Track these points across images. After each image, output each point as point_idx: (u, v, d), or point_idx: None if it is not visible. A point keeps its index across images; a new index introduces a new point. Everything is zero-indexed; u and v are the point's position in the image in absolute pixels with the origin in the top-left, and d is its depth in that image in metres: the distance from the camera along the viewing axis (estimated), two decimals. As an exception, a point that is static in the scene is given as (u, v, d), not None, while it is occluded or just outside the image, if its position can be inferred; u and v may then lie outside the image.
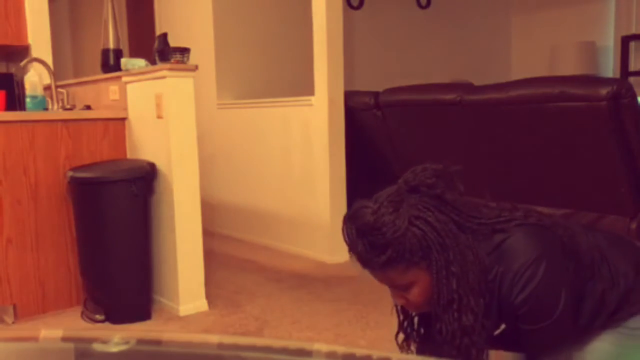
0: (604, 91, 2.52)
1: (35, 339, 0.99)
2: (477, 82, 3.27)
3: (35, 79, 3.23)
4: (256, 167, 4.27)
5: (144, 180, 2.76)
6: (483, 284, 1.28)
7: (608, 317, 1.40)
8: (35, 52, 3.81)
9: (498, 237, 1.31)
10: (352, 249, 1.34)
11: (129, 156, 3.06)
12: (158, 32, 4.95)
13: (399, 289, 1.35)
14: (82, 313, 2.85)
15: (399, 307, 1.48)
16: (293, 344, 0.87)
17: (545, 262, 1.25)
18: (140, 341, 0.89)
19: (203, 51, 4.50)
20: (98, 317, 2.77)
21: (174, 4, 5.04)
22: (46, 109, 3.30)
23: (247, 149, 4.35)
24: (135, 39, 5.87)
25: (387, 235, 1.25)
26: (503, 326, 1.42)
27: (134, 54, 5.37)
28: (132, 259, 2.77)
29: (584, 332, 1.40)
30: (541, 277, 1.24)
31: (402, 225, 1.24)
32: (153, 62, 2.87)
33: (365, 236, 1.28)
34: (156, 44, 2.86)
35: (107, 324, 2.75)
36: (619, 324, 1.40)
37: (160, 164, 2.85)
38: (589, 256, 1.39)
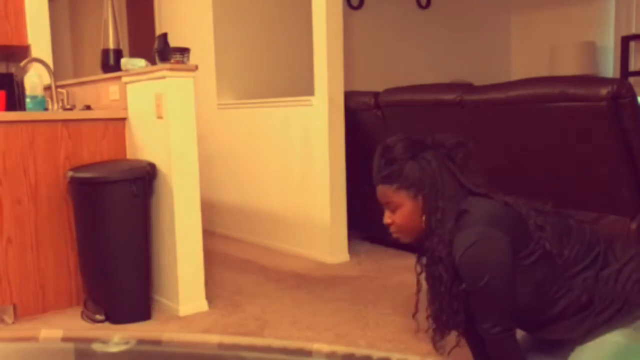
0: (604, 91, 2.52)
1: (35, 339, 0.99)
2: (477, 82, 3.27)
3: (35, 79, 3.23)
4: (256, 167, 4.27)
5: (144, 181, 2.76)
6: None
7: (607, 316, 1.47)
8: (35, 52, 3.81)
9: (471, 200, 1.58)
10: (374, 163, 1.68)
11: (129, 156, 3.06)
12: (158, 32, 4.95)
13: (389, 208, 1.66)
14: (82, 313, 2.85)
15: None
16: (293, 344, 0.87)
17: (486, 239, 1.49)
18: (140, 341, 0.89)
19: (203, 51, 4.50)
20: (98, 317, 2.77)
21: (174, 4, 5.03)
22: (46, 109, 3.30)
23: (247, 149, 4.35)
24: (135, 39, 5.87)
25: (395, 155, 1.61)
26: None
27: (134, 54, 5.37)
28: (132, 259, 2.77)
29: (559, 320, 1.54)
30: (475, 249, 1.49)
31: (408, 155, 1.59)
32: (153, 62, 2.87)
33: (382, 152, 1.65)
34: (156, 44, 2.86)
35: (107, 324, 2.75)
36: (629, 324, 1.47)
37: (160, 164, 2.85)
38: (581, 255, 1.53)
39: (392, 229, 1.69)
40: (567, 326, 1.54)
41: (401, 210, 1.63)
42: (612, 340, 1.49)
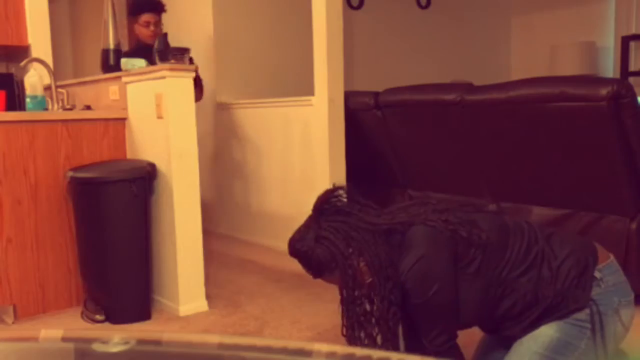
0: (604, 91, 2.52)
1: (35, 339, 0.99)
2: (477, 82, 3.26)
3: (35, 79, 3.23)
4: (256, 167, 4.27)
5: (144, 180, 2.75)
6: (391, 269, 1.58)
7: (546, 311, 1.55)
8: (35, 52, 3.80)
9: (396, 236, 1.61)
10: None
11: (129, 156, 3.06)
12: (158, 32, 4.95)
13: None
14: (82, 313, 2.85)
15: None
16: (293, 344, 0.86)
17: (427, 257, 1.55)
18: (140, 341, 0.89)
19: (203, 51, 4.50)
20: (98, 317, 2.77)
21: (174, 4, 5.03)
22: (46, 109, 3.30)
23: (247, 149, 4.35)
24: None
25: (305, 256, 1.63)
26: None
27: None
28: (132, 259, 2.77)
29: (507, 320, 1.60)
30: (421, 264, 1.54)
31: (311, 245, 1.61)
32: (153, 62, 2.87)
33: (298, 259, 1.67)
34: (156, 44, 2.86)
35: (107, 324, 2.75)
36: (563, 317, 1.54)
37: (160, 164, 2.85)
38: (522, 256, 1.57)
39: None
40: (514, 324, 1.60)
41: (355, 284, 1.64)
42: (545, 333, 1.55)
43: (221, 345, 0.93)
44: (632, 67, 5.18)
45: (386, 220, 1.63)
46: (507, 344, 1.66)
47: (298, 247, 1.65)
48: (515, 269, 1.57)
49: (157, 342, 0.95)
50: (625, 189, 2.67)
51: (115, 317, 2.77)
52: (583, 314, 1.54)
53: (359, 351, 0.87)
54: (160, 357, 0.90)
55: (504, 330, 1.64)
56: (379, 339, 1.61)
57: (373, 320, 1.61)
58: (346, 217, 1.62)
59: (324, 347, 0.96)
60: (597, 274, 1.55)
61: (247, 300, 3.02)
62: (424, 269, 1.55)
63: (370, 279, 1.60)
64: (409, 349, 1.72)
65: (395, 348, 1.64)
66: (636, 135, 2.58)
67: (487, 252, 1.57)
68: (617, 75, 5.24)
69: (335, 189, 1.68)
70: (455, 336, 1.60)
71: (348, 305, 1.65)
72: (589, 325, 1.53)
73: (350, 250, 1.58)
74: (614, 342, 1.55)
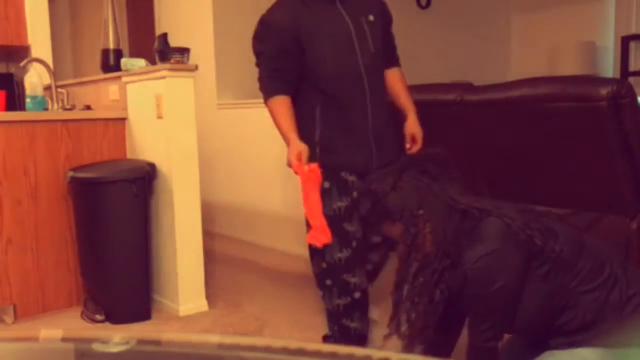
0: (604, 91, 2.51)
1: (35, 339, 0.99)
2: (477, 82, 3.26)
3: (35, 79, 3.23)
4: (256, 167, 4.27)
5: (144, 181, 2.76)
6: (453, 249, 1.56)
7: (601, 337, 1.48)
8: (35, 52, 3.80)
9: (470, 222, 1.57)
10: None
11: (128, 156, 3.06)
12: (158, 32, 4.95)
13: (392, 241, 1.70)
14: (82, 313, 2.85)
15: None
16: (293, 344, 0.86)
17: (499, 253, 1.51)
18: (140, 341, 0.88)
19: (203, 51, 4.50)
20: (98, 317, 2.77)
21: (174, 4, 5.03)
22: (46, 109, 3.30)
23: (247, 149, 4.35)
24: (135, 39, 5.87)
25: (375, 197, 1.62)
26: None
27: (134, 54, 5.36)
28: (132, 259, 2.77)
29: (559, 333, 1.54)
30: (490, 258, 1.50)
31: (386, 189, 1.59)
32: (153, 62, 2.87)
33: (367, 198, 1.67)
34: (156, 44, 2.85)
35: (107, 324, 2.75)
36: (612, 347, 1.48)
37: (160, 164, 2.85)
38: (593, 274, 1.52)
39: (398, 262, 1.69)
40: (564, 341, 1.54)
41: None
42: (583, 355, 1.49)
43: (221, 345, 0.93)
44: (632, 67, 5.18)
45: (467, 201, 1.60)
46: (534, 351, 1.62)
47: (373, 187, 1.63)
48: (584, 284, 1.52)
49: (157, 342, 0.95)
50: (625, 189, 2.67)
51: (115, 317, 2.77)
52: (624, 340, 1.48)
53: (359, 351, 0.86)
54: (160, 357, 0.90)
55: (551, 346, 1.58)
56: (413, 319, 1.59)
57: (418, 288, 1.59)
58: (431, 181, 1.59)
59: (324, 347, 0.96)
60: None
61: (247, 300, 3.02)
62: (492, 264, 1.51)
63: (429, 248, 1.57)
64: (433, 342, 1.66)
65: (424, 336, 1.61)
66: (636, 135, 2.58)
67: (558, 263, 1.53)
68: (617, 75, 5.24)
69: (436, 152, 1.68)
70: (502, 337, 1.57)
71: (401, 261, 1.62)
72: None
73: (421, 212, 1.56)
74: None
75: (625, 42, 5.18)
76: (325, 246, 2.15)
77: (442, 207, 1.57)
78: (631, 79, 4.76)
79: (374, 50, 2.23)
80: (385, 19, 2.41)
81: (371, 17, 2.26)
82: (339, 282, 2.19)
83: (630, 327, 1.47)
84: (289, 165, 2.06)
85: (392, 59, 2.49)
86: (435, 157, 1.67)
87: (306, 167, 2.01)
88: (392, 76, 2.42)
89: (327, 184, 2.16)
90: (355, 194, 2.17)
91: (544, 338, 1.60)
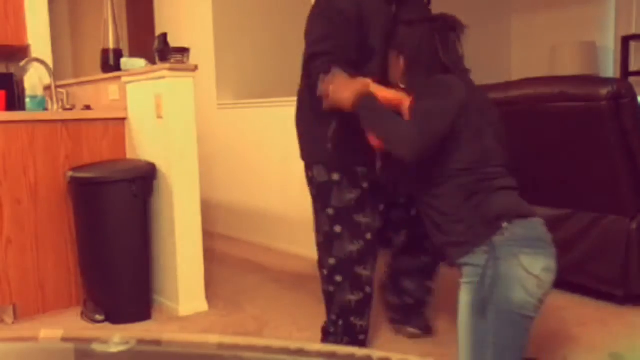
0: (604, 91, 2.52)
1: (35, 339, 0.99)
2: (477, 82, 3.26)
3: (35, 79, 3.23)
4: (256, 167, 4.27)
5: (144, 181, 2.76)
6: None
7: (453, 230, 1.69)
8: (35, 52, 3.81)
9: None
10: None
11: (128, 156, 3.06)
12: (158, 32, 4.95)
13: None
14: (82, 313, 2.85)
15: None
16: (293, 344, 0.86)
17: (454, 82, 1.77)
18: (140, 341, 0.89)
19: (203, 51, 4.50)
20: (98, 317, 2.77)
21: (174, 4, 5.03)
22: (46, 109, 3.31)
23: (247, 149, 4.35)
24: (135, 39, 5.87)
25: (395, 21, 1.91)
26: None
27: (134, 54, 5.37)
28: (132, 259, 2.77)
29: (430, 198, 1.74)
30: (445, 78, 1.78)
31: (407, 22, 1.86)
32: (153, 62, 2.87)
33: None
34: (156, 44, 2.85)
35: (107, 324, 2.75)
36: (463, 254, 1.67)
37: (160, 164, 2.85)
38: (477, 164, 1.70)
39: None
40: (432, 211, 1.74)
41: (390, 69, 1.91)
42: (463, 301, 1.67)
43: (221, 345, 0.93)
44: (632, 67, 5.18)
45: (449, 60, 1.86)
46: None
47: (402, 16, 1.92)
48: (463, 166, 1.68)
49: (157, 342, 0.95)
50: (625, 189, 2.67)
51: (115, 317, 2.77)
52: (480, 257, 1.62)
53: (359, 351, 0.86)
54: (160, 357, 0.90)
55: (430, 210, 1.75)
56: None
57: None
58: (436, 35, 1.86)
59: (323, 347, 0.96)
60: (504, 224, 1.61)
61: (247, 300, 3.02)
62: (445, 80, 1.79)
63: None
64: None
65: None
66: (636, 135, 2.58)
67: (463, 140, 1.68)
68: (617, 75, 5.24)
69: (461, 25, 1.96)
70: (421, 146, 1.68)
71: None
72: (482, 271, 1.61)
73: (414, 51, 1.84)
74: (514, 287, 1.57)
75: (626, 42, 5.18)
76: (334, 241, 2.14)
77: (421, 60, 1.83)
78: (631, 79, 4.76)
79: None
80: None
81: None
82: (351, 276, 2.15)
83: (476, 225, 1.64)
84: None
85: None
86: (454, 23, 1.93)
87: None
88: None
89: (336, 176, 2.13)
90: (365, 184, 2.14)
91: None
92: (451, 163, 1.68)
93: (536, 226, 1.66)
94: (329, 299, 2.22)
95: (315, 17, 2.13)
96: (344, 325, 2.19)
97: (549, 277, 1.59)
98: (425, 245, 2.35)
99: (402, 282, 2.47)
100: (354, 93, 1.70)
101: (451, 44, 1.87)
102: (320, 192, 2.19)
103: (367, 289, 2.18)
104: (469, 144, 1.68)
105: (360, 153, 2.07)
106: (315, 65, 2.00)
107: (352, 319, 2.18)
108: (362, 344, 2.22)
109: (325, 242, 2.16)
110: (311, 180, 2.24)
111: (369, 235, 2.14)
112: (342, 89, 1.73)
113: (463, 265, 1.68)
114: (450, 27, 1.89)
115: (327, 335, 2.26)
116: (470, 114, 1.69)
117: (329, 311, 2.24)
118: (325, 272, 2.21)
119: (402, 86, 1.83)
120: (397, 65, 1.86)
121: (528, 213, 1.68)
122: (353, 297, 2.16)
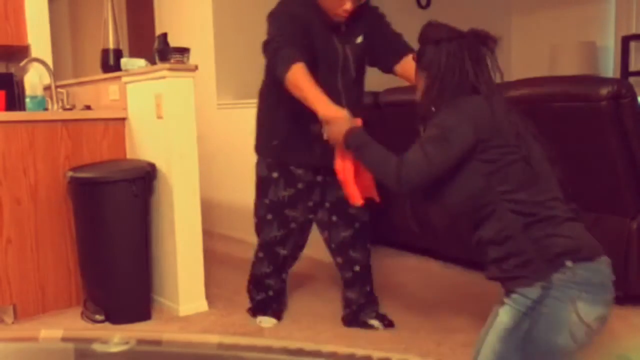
0: (604, 91, 2.52)
1: (35, 339, 0.99)
2: (477, 82, 3.26)
3: (35, 79, 3.23)
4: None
5: (144, 181, 2.76)
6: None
7: (511, 254, 1.58)
8: (35, 52, 3.81)
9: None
10: None
11: (128, 156, 3.06)
12: (158, 32, 4.95)
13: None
14: (82, 313, 2.85)
15: None
16: (293, 344, 0.87)
17: (461, 121, 1.65)
18: (140, 341, 0.89)
19: (203, 51, 4.50)
20: (98, 317, 2.77)
21: (174, 4, 5.03)
22: (46, 109, 3.30)
23: (247, 149, 4.34)
24: (135, 39, 5.87)
25: (425, 37, 1.81)
26: None
27: (134, 54, 5.37)
28: (132, 259, 2.77)
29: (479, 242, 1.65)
30: (458, 104, 1.69)
31: (433, 40, 1.77)
32: (153, 62, 2.87)
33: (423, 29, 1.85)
34: (156, 44, 2.85)
35: (107, 324, 2.75)
36: (518, 286, 1.56)
37: (160, 164, 2.85)
38: (534, 199, 1.66)
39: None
40: (485, 235, 1.64)
41: (417, 89, 1.87)
42: (500, 320, 1.58)
43: (221, 345, 0.93)
44: (632, 67, 5.18)
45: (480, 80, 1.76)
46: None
47: (426, 29, 1.83)
48: (511, 194, 1.61)
49: (157, 342, 0.95)
50: (625, 189, 2.67)
51: (115, 317, 2.77)
52: (535, 291, 1.52)
53: (359, 351, 0.87)
54: (160, 357, 0.90)
55: (477, 239, 1.67)
56: None
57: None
58: (467, 56, 1.74)
59: (324, 347, 0.97)
60: (568, 264, 1.51)
61: (247, 300, 3.02)
62: (456, 107, 1.69)
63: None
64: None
65: None
66: (636, 135, 2.58)
67: (503, 164, 1.62)
68: (617, 75, 5.24)
69: (493, 38, 1.83)
70: (410, 186, 1.75)
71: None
72: (532, 304, 1.52)
73: (441, 72, 1.73)
74: (561, 332, 1.49)
75: (626, 42, 5.18)
76: (264, 225, 2.56)
77: (458, 82, 1.72)
78: (631, 79, 4.76)
79: (355, 75, 2.54)
80: (376, 26, 2.59)
81: (359, 39, 2.48)
82: (270, 254, 2.63)
83: (537, 258, 1.54)
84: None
85: (401, 49, 2.69)
86: (487, 39, 1.81)
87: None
88: (409, 65, 2.47)
89: (275, 174, 2.49)
90: (300, 185, 2.48)
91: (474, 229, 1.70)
92: (495, 186, 1.61)
93: (602, 269, 1.55)
94: (251, 268, 2.74)
95: (271, 20, 2.40)
96: (257, 289, 2.74)
97: (600, 327, 1.51)
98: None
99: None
100: (344, 132, 1.87)
101: (482, 60, 1.77)
102: (260, 184, 2.55)
103: (280, 261, 2.65)
104: (511, 165, 1.63)
105: (303, 155, 2.41)
106: (271, 47, 2.29)
107: (266, 282, 2.71)
108: (272, 299, 2.73)
109: (258, 223, 2.59)
110: (256, 171, 2.58)
111: (293, 225, 2.55)
112: (337, 129, 1.92)
113: (513, 292, 1.58)
114: (481, 41, 1.79)
115: (248, 292, 2.79)
116: (499, 135, 1.64)
117: (249, 277, 2.78)
118: (256, 246, 2.68)
119: (432, 108, 1.77)
120: (422, 85, 1.82)
121: (595, 253, 1.57)
122: (267, 270, 2.67)
